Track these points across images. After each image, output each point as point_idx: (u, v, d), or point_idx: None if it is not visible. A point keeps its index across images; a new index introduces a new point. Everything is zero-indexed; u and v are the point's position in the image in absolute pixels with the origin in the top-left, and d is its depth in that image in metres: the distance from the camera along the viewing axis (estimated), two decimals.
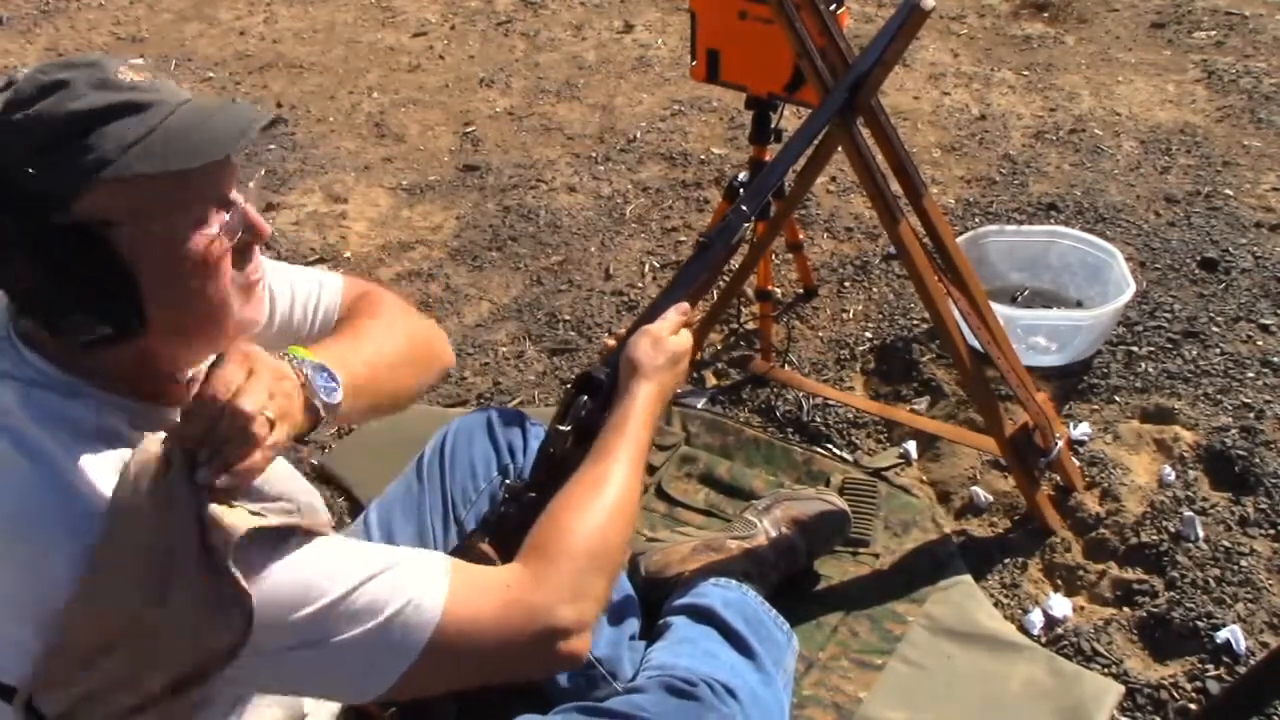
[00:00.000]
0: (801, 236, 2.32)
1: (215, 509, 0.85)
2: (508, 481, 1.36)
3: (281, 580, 0.89)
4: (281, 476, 0.96)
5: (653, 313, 1.29)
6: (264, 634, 0.87)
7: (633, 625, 1.51)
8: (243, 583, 0.84)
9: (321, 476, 1.93)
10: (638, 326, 1.28)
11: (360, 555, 0.95)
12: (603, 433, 1.15)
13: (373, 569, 0.92)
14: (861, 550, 1.75)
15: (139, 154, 0.86)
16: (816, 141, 1.54)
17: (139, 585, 0.84)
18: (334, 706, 1.21)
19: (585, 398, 1.17)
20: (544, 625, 0.98)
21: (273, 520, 0.90)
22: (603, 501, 1.08)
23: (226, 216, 0.94)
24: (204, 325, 0.96)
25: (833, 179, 2.80)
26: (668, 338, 1.25)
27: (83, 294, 0.87)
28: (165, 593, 0.84)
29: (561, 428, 1.16)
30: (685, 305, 1.30)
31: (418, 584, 0.94)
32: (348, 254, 2.66)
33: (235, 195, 0.96)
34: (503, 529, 1.18)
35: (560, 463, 1.18)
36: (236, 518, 0.86)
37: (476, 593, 0.97)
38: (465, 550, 1.18)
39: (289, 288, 1.24)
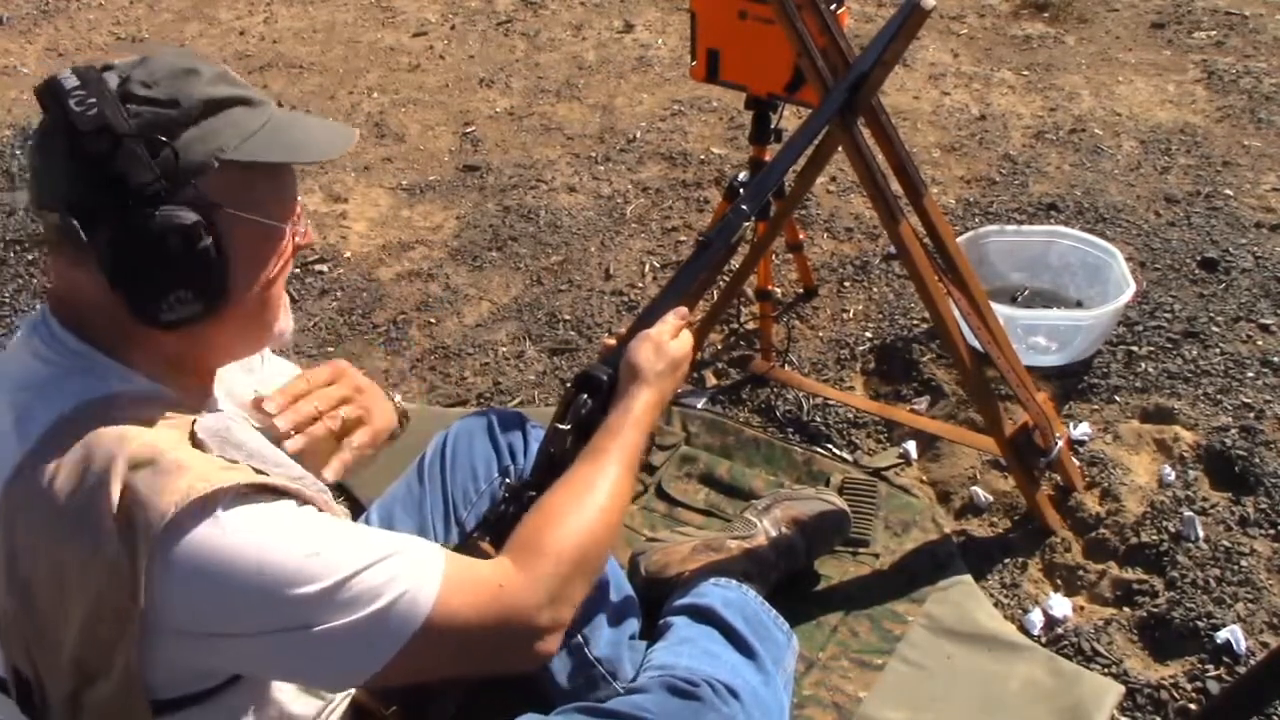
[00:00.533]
0: (801, 236, 2.32)
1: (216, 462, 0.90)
2: (508, 480, 1.36)
3: (275, 549, 0.88)
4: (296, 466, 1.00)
5: (652, 312, 1.29)
6: (253, 614, 0.87)
7: (633, 625, 1.51)
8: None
9: None
10: (638, 326, 1.28)
11: (361, 540, 0.95)
12: (597, 434, 1.16)
13: (372, 556, 0.92)
14: (861, 550, 1.75)
15: (258, 143, 0.93)
16: (816, 141, 1.54)
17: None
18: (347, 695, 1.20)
19: (585, 397, 1.17)
20: (524, 625, 0.99)
21: (275, 480, 0.92)
22: (593, 504, 1.08)
23: (301, 216, 1.02)
24: (263, 317, 1.02)
25: (833, 179, 2.80)
26: (669, 343, 1.25)
27: (184, 271, 0.91)
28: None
29: (561, 427, 1.16)
30: (684, 309, 1.30)
31: (414, 575, 0.94)
32: (348, 254, 2.66)
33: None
34: (503, 528, 1.18)
35: (560, 462, 1.18)
36: (239, 473, 0.89)
37: (469, 588, 0.97)
38: (466, 549, 1.18)
39: None
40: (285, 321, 1.05)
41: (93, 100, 0.87)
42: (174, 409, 0.95)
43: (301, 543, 0.89)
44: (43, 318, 0.97)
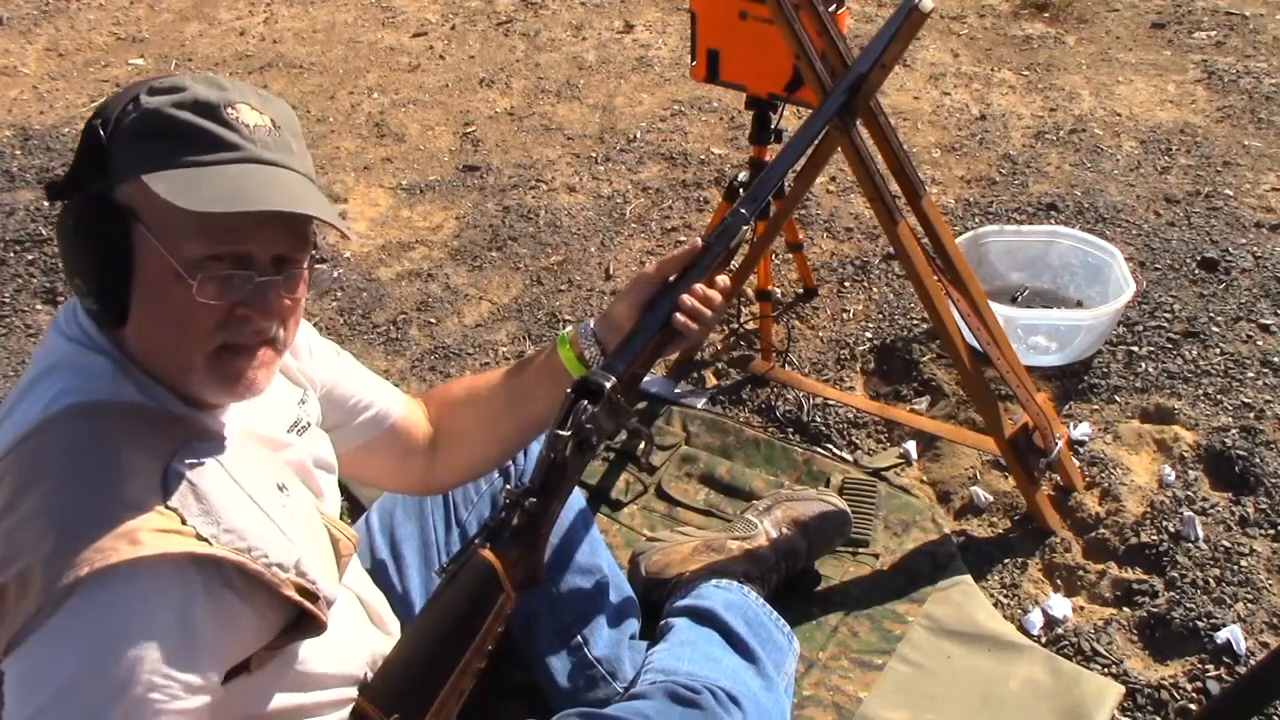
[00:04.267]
0: (801, 236, 2.32)
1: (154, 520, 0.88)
2: (508, 486, 1.36)
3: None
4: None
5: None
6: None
7: (632, 626, 1.51)
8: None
9: None
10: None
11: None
12: None
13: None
14: (861, 550, 1.75)
15: (171, 177, 0.90)
16: (815, 143, 1.54)
17: None
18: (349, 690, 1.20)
19: (585, 403, 1.16)
20: None
21: (216, 550, 0.90)
22: None
23: (232, 275, 0.93)
24: (172, 362, 0.96)
25: (833, 179, 2.80)
26: None
27: (91, 261, 0.92)
28: None
29: (561, 432, 1.15)
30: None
31: None
32: (348, 254, 2.66)
33: (270, 260, 0.95)
34: (502, 535, 1.18)
35: (560, 467, 1.18)
36: (172, 541, 0.88)
37: None
38: (467, 556, 1.18)
39: (359, 376, 1.31)
40: (226, 386, 0.96)
41: (123, 96, 0.94)
42: (164, 426, 0.94)
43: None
44: (74, 301, 1.00)
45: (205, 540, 0.90)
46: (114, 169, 0.92)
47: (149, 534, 0.86)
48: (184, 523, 0.89)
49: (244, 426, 1.04)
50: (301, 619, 0.99)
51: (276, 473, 1.04)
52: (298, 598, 0.96)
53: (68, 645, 0.84)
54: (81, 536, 0.84)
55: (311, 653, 1.08)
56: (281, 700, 1.07)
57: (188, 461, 0.92)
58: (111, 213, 0.91)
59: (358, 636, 1.22)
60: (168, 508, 0.89)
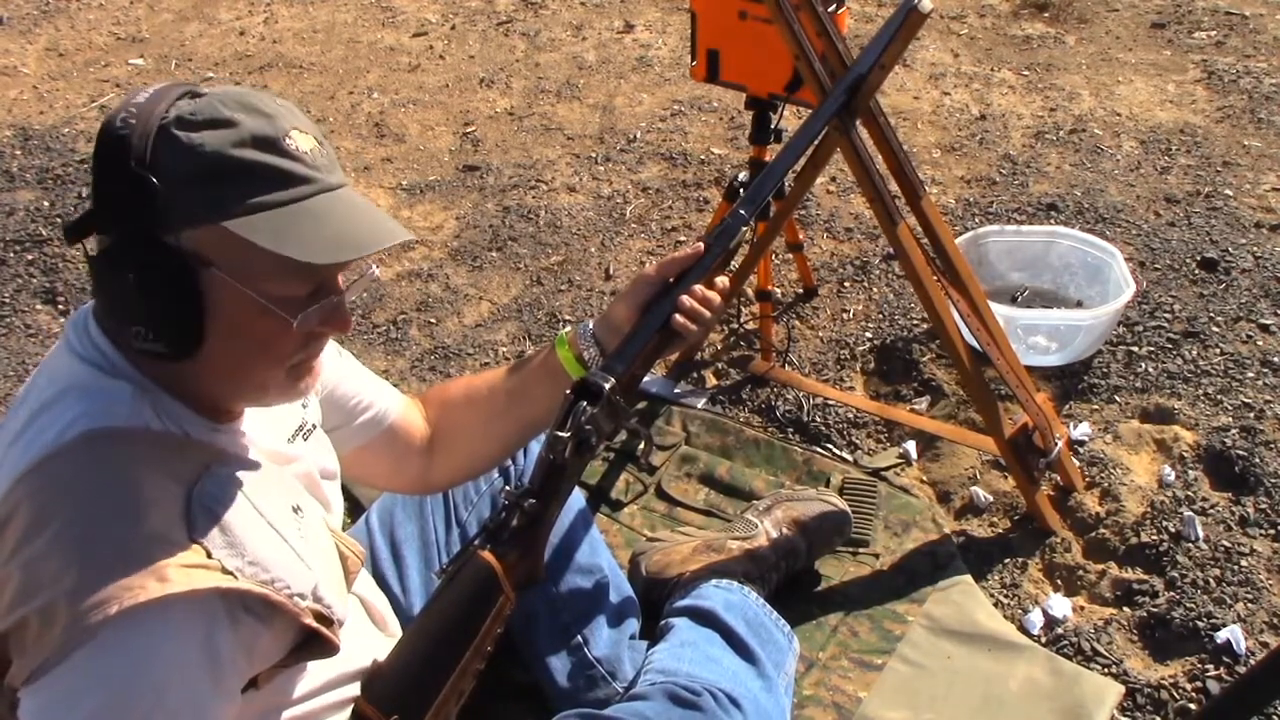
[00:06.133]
0: (801, 236, 2.32)
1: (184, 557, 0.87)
2: (507, 488, 1.36)
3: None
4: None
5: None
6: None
7: (632, 625, 1.51)
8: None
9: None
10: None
11: None
12: None
13: None
14: (861, 550, 1.76)
15: (261, 223, 0.88)
16: (815, 144, 1.54)
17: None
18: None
19: (584, 404, 1.16)
20: None
21: (240, 584, 0.89)
22: None
23: (314, 307, 0.94)
24: (246, 385, 0.98)
25: (833, 179, 2.80)
26: None
27: (155, 310, 0.89)
28: None
29: (560, 434, 1.15)
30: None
31: None
32: None
33: (340, 280, 0.98)
34: (502, 536, 1.18)
35: (559, 469, 1.18)
36: (198, 576, 0.87)
37: None
38: (466, 557, 1.18)
39: (360, 377, 1.30)
40: (297, 392, 1.00)
41: (133, 122, 0.87)
42: (184, 451, 0.94)
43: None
44: (85, 315, 0.97)
45: (230, 574, 0.89)
46: (174, 215, 0.87)
47: (176, 570, 0.85)
48: (209, 556, 0.89)
49: (257, 442, 1.04)
50: (314, 639, 0.99)
51: (290, 493, 1.04)
52: (316, 625, 0.97)
53: (94, 680, 0.83)
54: (107, 571, 0.83)
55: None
56: (284, 705, 1.07)
57: (210, 491, 0.92)
58: (177, 260, 0.88)
59: (359, 637, 1.22)
60: (193, 541, 0.88)
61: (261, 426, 1.06)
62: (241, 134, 0.88)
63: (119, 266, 0.88)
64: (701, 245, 1.24)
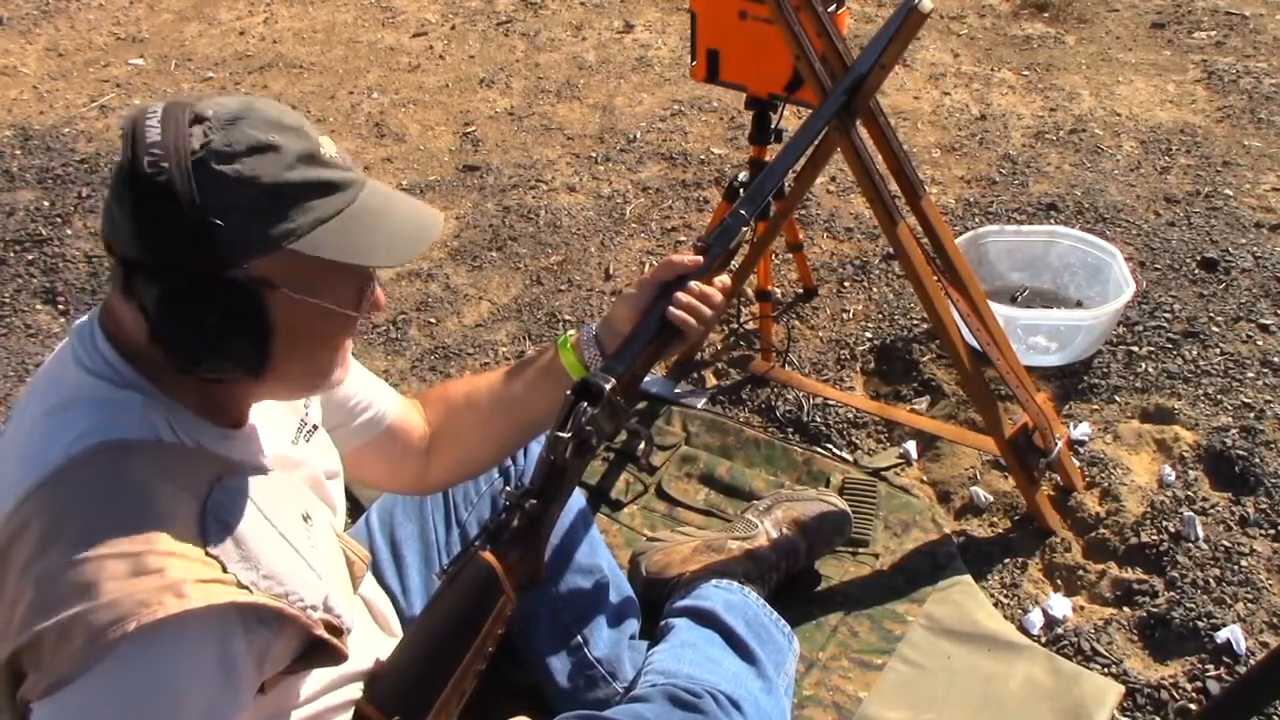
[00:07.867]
0: (801, 236, 2.32)
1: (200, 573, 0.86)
2: (507, 488, 1.36)
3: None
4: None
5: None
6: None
7: (632, 626, 1.51)
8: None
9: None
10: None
11: None
12: None
13: None
14: (861, 550, 1.76)
15: (325, 236, 0.90)
16: (815, 144, 1.54)
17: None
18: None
19: (585, 404, 1.16)
20: None
21: (256, 597, 0.89)
22: None
23: (364, 294, 0.98)
24: (309, 379, 1.01)
25: (833, 179, 2.80)
26: None
27: (226, 340, 0.89)
28: None
29: (561, 434, 1.15)
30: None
31: None
32: None
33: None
34: (502, 537, 1.18)
35: (560, 470, 1.18)
36: (216, 591, 0.87)
37: None
38: (466, 558, 1.18)
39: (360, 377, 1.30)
40: (342, 374, 1.03)
41: (165, 164, 0.84)
42: (196, 462, 0.93)
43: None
44: (90, 326, 0.96)
45: (246, 588, 0.89)
46: (239, 249, 0.87)
47: (193, 585, 0.85)
48: (225, 570, 0.88)
49: (265, 447, 1.04)
50: (322, 647, 0.99)
51: (300, 500, 1.04)
52: (326, 635, 0.97)
53: (112, 695, 0.83)
54: (123, 587, 0.83)
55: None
56: (289, 708, 1.07)
57: (223, 502, 0.91)
58: (245, 290, 0.88)
59: (362, 638, 1.22)
60: (209, 555, 0.88)
61: (267, 430, 1.06)
62: (287, 157, 0.88)
63: (186, 308, 0.87)
64: (701, 258, 1.25)
